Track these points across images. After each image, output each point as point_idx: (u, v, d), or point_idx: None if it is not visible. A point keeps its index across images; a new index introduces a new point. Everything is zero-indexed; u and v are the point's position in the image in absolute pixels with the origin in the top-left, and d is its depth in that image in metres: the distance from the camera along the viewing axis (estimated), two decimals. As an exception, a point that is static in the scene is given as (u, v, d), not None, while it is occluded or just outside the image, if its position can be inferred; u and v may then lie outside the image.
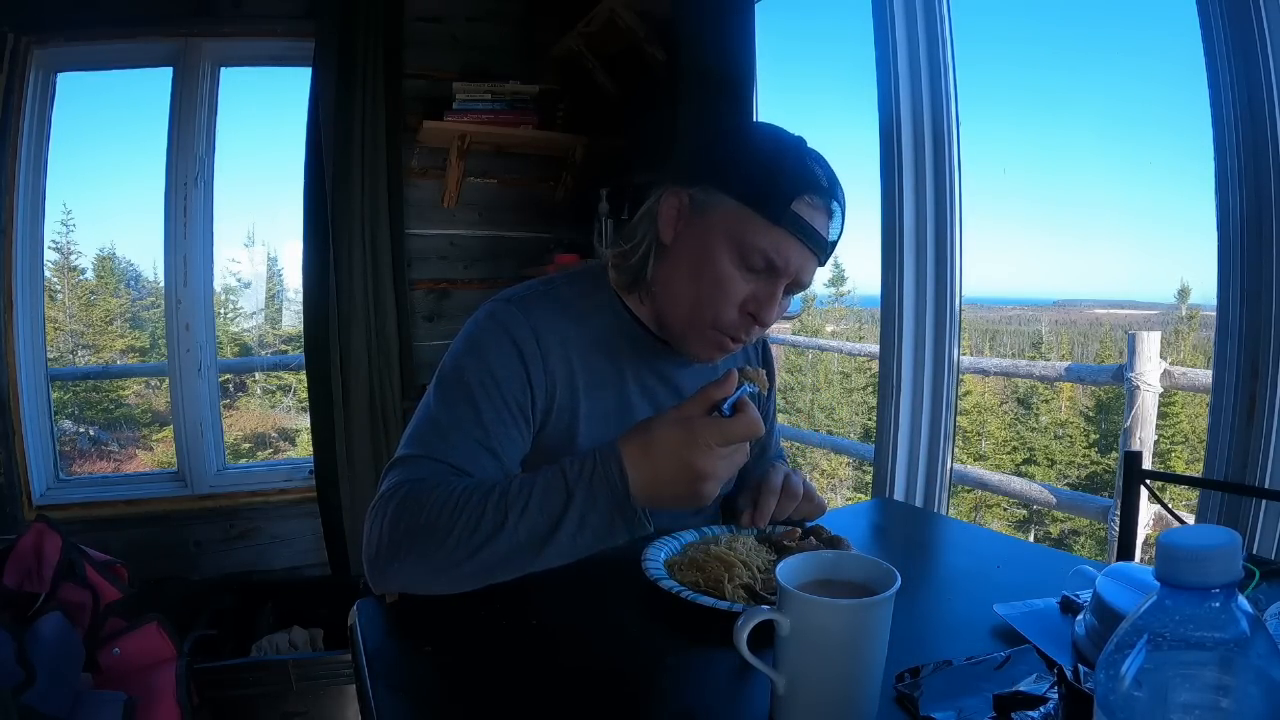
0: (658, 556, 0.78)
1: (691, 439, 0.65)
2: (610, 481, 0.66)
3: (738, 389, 0.67)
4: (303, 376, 2.49)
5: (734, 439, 0.66)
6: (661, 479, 0.66)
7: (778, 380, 1.10)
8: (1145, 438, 2.54)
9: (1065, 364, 3.07)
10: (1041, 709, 0.50)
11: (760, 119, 1.98)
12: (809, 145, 0.82)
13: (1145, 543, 2.15)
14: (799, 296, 0.88)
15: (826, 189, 0.80)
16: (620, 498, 0.66)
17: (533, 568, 0.69)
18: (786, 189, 0.78)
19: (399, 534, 0.70)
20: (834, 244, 0.83)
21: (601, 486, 0.66)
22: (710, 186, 0.81)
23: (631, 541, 0.70)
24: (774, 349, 1.03)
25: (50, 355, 2.44)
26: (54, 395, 2.45)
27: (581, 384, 0.85)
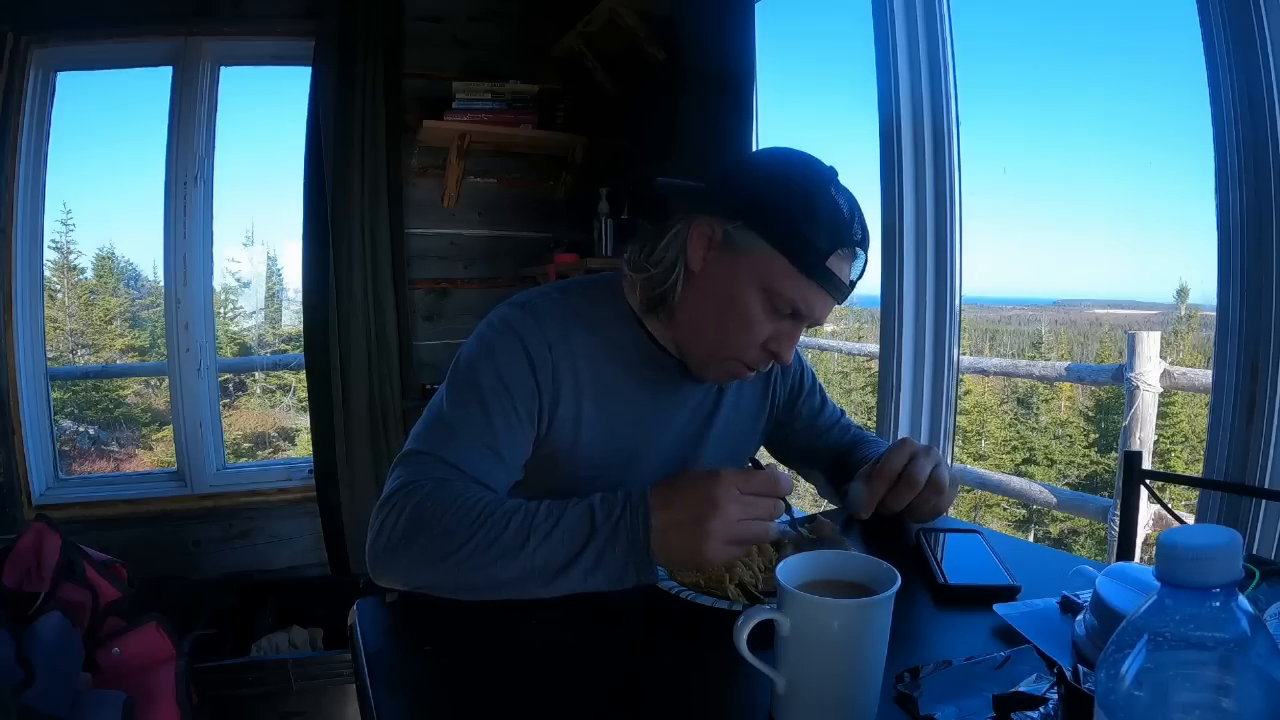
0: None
1: (715, 475, 0.67)
2: (634, 526, 0.67)
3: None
4: (302, 376, 2.49)
5: (755, 486, 0.67)
6: (675, 507, 0.67)
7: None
8: (1145, 438, 2.54)
9: (1065, 364, 3.07)
10: (1041, 709, 0.50)
11: (761, 120, 1.97)
12: (839, 180, 0.82)
13: (1145, 543, 2.14)
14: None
15: (858, 239, 0.80)
16: (641, 545, 0.67)
17: (538, 594, 0.69)
18: (823, 244, 0.78)
19: (415, 529, 0.71)
20: (854, 285, 0.85)
21: (624, 529, 0.67)
22: (746, 227, 0.80)
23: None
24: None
25: (50, 355, 2.44)
26: (54, 395, 2.45)
27: (587, 394, 0.86)
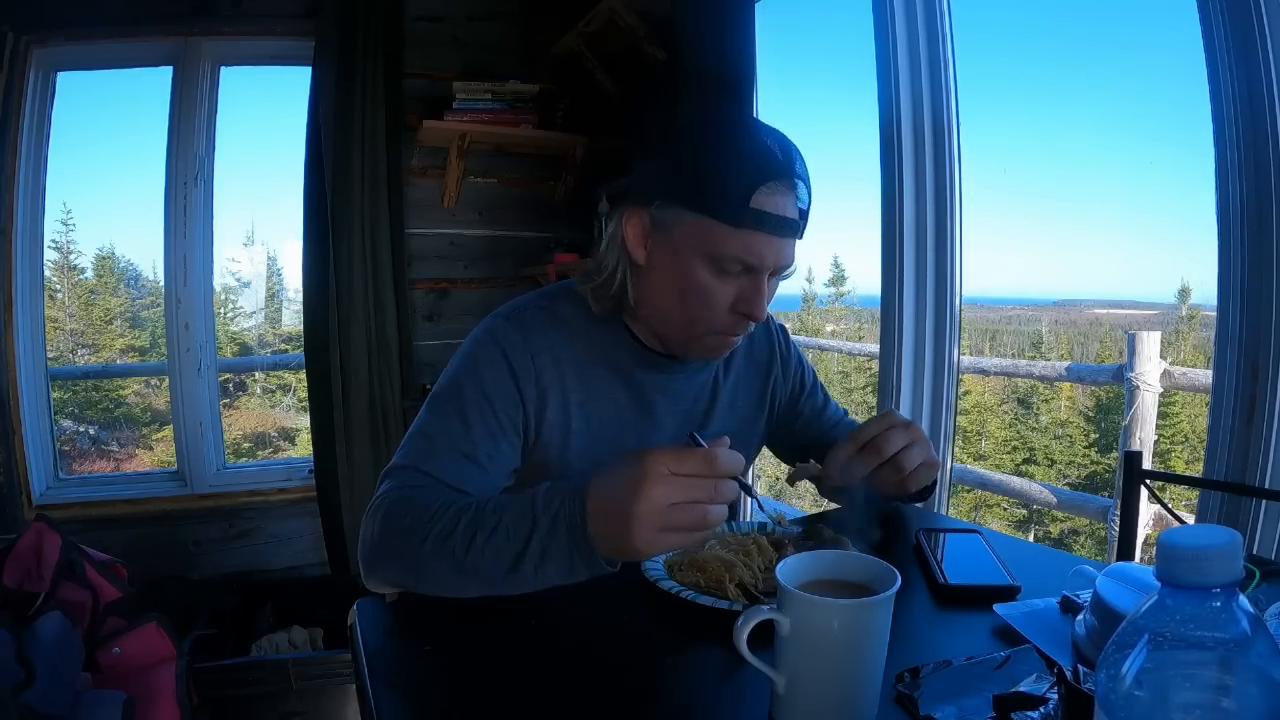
0: (658, 557, 0.78)
1: (643, 455, 0.60)
2: (572, 516, 0.63)
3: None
4: (303, 376, 2.49)
5: (687, 466, 0.59)
6: (605, 492, 0.61)
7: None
8: (1145, 437, 2.54)
9: (1065, 364, 3.08)
10: (1041, 709, 0.50)
11: (760, 115, 1.97)
12: (751, 117, 0.79)
13: (1145, 543, 2.15)
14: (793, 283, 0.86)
15: (784, 167, 0.76)
16: (579, 535, 0.63)
17: (507, 591, 0.67)
18: (741, 188, 0.74)
19: (385, 539, 0.73)
20: (806, 214, 0.80)
21: (563, 521, 0.64)
22: (666, 202, 0.78)
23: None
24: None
25: (50, 355, 2.44)
26: (54, 394, 2.45)
27: (575, 401, 0.86)
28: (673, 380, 0.92)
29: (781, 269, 0.81)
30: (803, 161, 0.79)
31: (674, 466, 0.59)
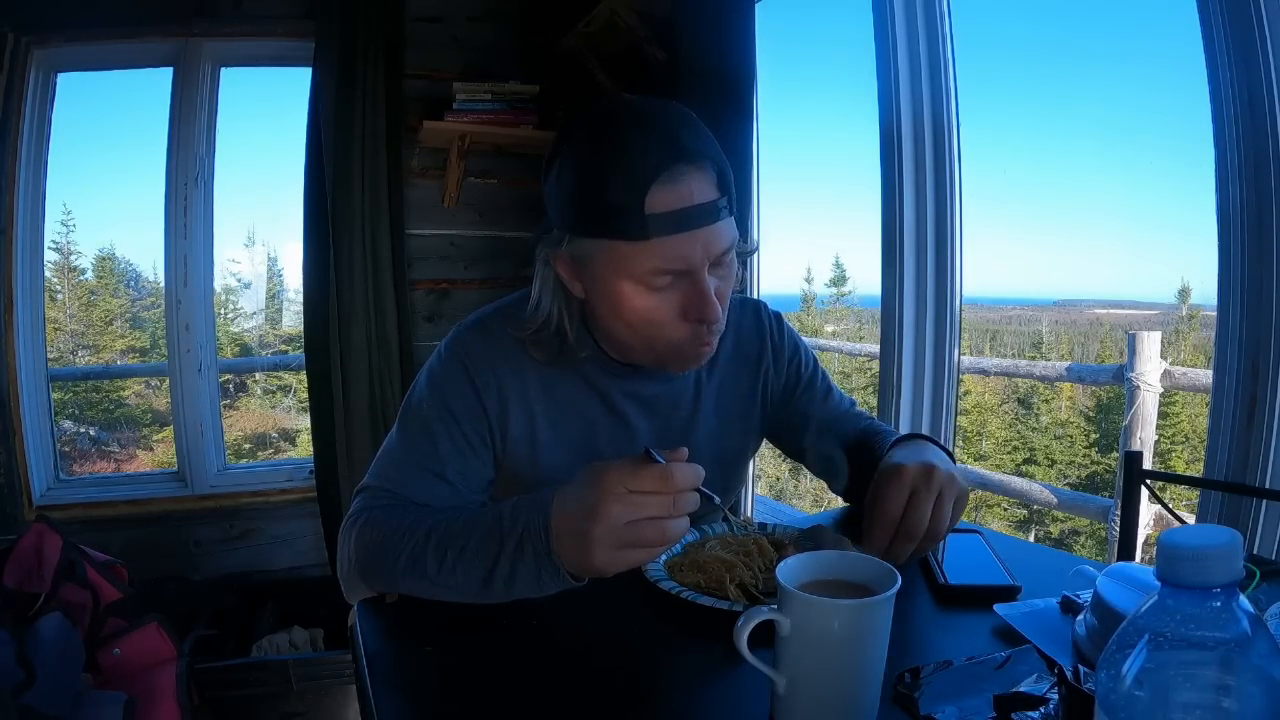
0: (658, 558, 0.78)
1: (600, 473, 0.60)
2: (536, 536, 0.63)
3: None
4: (303, 376, 2.49)
5: (643, 483, 0.58)
6: (565, 512, 0.62)
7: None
8: (1145, 438, 2.54)
9: (1065, 364, 3.08)
10: (1042, 709, 0.50)
11: (761, 120, 1.97)
12: (639, 112, 0.71)
13: (1146, 543, 2.15)
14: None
15: (670, 155, 0.68)
16: (543, 553, 0.63)
17: (484, 602, 0.68)
18: (630, 199, 0.67)
19: (360, 560, 0.75)
20: (725, 186, 0.72)
21: (528, 540, 0.64)
22: (572, 236, 0.74)
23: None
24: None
25: (50, 355, 2.44)
26: (54, 395, 2.45)
27: (540, 411, 0.84)
28: (646, 387, 0.88)
29: (717, 257, 0.72)
30: (699, 134, 0.71)
31: (630, 484, 0.58)
